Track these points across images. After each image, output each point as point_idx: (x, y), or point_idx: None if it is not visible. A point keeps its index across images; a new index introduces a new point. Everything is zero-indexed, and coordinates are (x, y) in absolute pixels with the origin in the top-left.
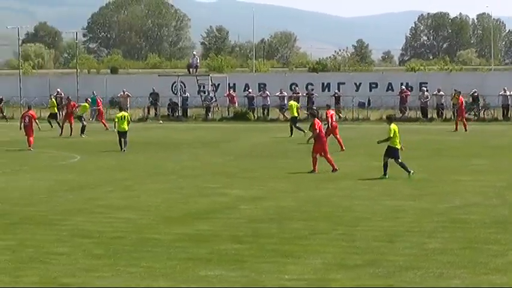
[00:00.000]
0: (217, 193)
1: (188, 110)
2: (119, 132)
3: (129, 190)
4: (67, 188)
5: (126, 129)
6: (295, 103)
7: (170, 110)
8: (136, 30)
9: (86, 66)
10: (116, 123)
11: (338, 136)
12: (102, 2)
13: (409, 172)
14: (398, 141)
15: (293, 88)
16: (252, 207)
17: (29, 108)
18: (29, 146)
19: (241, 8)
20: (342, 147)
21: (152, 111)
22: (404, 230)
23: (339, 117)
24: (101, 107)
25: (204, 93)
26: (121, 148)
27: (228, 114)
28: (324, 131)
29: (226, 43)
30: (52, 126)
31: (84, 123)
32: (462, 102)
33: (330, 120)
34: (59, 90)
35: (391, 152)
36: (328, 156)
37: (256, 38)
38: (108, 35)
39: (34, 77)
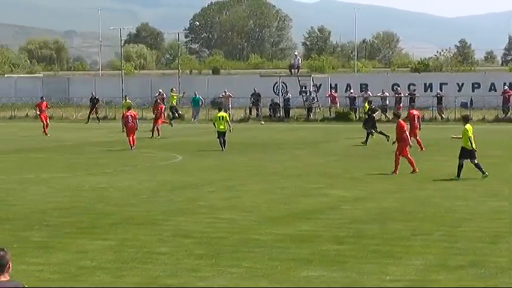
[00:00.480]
0: (319, 193)
1: (290, 110)
2: (218, 132)
3: (231, 190)
4: (169, 188)
5: (225, 129)
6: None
7: (272, 111)
8: (238, 30)
9: (188, 67)
10: (215, 124)
11: (418, 138)
12: (204, 2)
13: (484, 173)
14: (470, 142)
15: (395, 88)
16: (354, 208)
17: (129, 108)
18: (131, 145)
19: (343, 8)
20: (421, 148)
21: (254, 112)
22: (506, 231)
23: (441, 117)
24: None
25: (306, 93)
26: (222, 148)
27: (330, 114)
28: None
29: (327, 43)
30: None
31: (180, 112)
32: None
33: (413, 121)
34: (160, 91)
35: (465, 153)
36: (410, 157)
37: (358, 38)
38: (210, 36)
39: (136, 77)
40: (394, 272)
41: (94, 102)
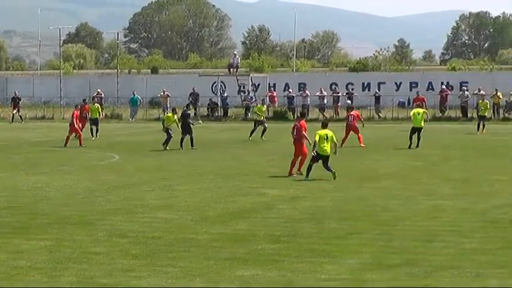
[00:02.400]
0: (256, 193)
1: (228, 109)
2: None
3: (168, 190)
4: (105, 188)
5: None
6: None
7: (210, 110)
8: (177, 30)
9: (127, 66)
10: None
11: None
12: (144, 2)
13: (334, 173)
14: (327, 146)
15: (333, 88)
16: (290, 207)
17: (76, 107)
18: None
19: (283, 8)
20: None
21: (192, 111)
22: (442, 229)
23: (379, 116)
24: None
25: (244, 93)
26: (191, 146)
27: (268, 114)
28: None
29: (267, 43)
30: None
31: (171, 134)
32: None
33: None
34: (99, 90)
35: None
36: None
37: (297, 37)
38: (149, 35)
39: (75, 77)
40: (329, 271)
41: (16, 101)
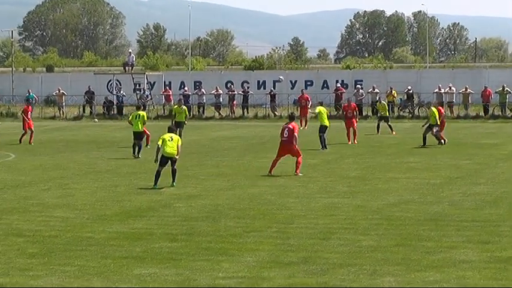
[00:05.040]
0: (153, 191)
1: (124, 108)
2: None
3: (64, 188)
4: (1, 187)
5: (141, 129)
6: None
7: (105, 109)
8: (72, 28)
9: (22, 64)
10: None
11: None
12: (38, 0)
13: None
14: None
15: (229, 86)
16: (187, 205)
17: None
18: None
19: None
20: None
21: (87, 110)
22: (338, 227)
23: (274, 115)
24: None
25: (140, 91)
26: (134, 152)
27: (164, 112)
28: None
29: (162, 41)
30: None
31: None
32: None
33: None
34: None
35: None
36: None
37: (193, 35)
38: (44, 33)
39: None
40: (226, 269)
41: None
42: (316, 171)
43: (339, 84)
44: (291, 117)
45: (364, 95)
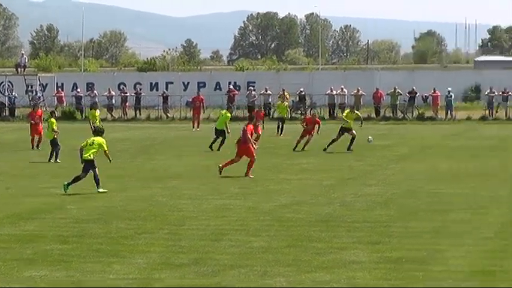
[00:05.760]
0: (45, 193)
1: (16, 109)
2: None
3: None
4: None
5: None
6: None
7: None
8: None
9: None
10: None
11: None
12: None
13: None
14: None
15: (121, 88)
16: (79, 207)
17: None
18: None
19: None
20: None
21: None
22: (229, 228)
23: (167, 116)
24: None
25: (32, 93)
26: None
27: (56, 113)
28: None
29: (55, 42)
30: None
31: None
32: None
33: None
34: None
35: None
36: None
37: (86, 37)
38: None
39: None
40: (117, 271)
41: None
42: (209, 172)
43: (231, 86)
44: (250, 118)
45: (257, 96)
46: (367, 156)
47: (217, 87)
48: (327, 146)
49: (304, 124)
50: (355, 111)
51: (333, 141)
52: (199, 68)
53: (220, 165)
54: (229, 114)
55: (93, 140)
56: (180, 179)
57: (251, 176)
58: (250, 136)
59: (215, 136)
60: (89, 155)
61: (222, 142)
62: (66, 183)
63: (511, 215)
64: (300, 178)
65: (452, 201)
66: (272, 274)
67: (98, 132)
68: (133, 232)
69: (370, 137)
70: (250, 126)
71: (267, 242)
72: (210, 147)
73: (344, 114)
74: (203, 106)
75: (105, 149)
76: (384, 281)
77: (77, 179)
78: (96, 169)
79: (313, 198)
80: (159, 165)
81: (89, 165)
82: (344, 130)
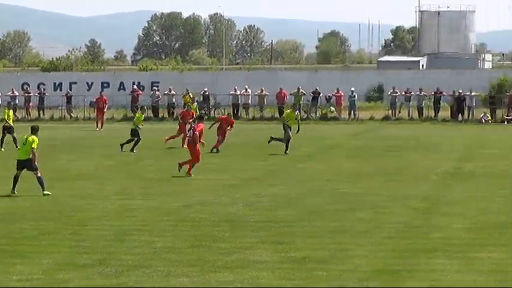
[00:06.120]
0: None
1: None
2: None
3: None
4: None
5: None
6: None
7: None
8: None
9: None
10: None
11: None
12: None
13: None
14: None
15: (25, 88)
16: None
17: None
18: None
19: None
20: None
21: None
22: (133, 229)
23: (70, 116)
24: None
25: None
26: None
27: None
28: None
29: None
30: None
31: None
32: None
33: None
34: None
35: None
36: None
37: None
38: None
39: None
40: (21, 272)
41: None
42: (113, 172)
43: (135, 86)
44: (200, 118)
45: (161, 96)
46: (271, 156)
47: (121, 87)
48: (286, 148)
49: (219, 123)
50: (296, 111)
51: (288, 140)
52: (103, 68)
53: (182, 165)
54: (139, 115)
55: (26, 138)
56: (84, 179)
57: (188, 174)
58: (198, 135)
59: (130, 137)
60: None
61: (136, 142)
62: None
63: (410, 214)
64: (204, 178)
65: (355, 201)
66: (176, 274)
67: (33, 129)
68: (37, 233)
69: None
70: (200, 125)
71: (171, 242)
72: (131, 149)
73: (285, 115)
74: (105, 106)
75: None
76: (288, 280)
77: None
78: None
79: (216, 198)
80: (63, 165)
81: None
82: (288, 128)
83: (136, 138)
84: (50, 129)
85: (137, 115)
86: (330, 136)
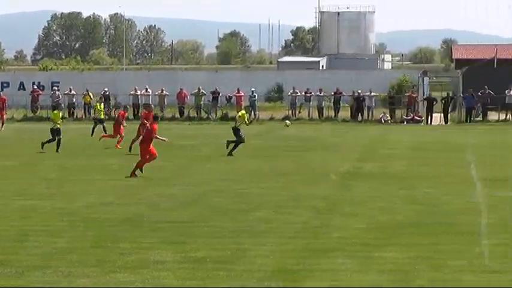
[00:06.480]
0: None
1: None
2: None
3: None
4: None
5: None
6: None
7: None
8: None
9: None
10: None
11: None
12: None
13: None
14: None
15: None
16: None
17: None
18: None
19: None
20: None
21: None
22: (34, 229)
23: None
24: None
25: None
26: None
27: None
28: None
29: None
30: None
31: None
32: None
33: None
34: None
35: None
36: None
37: None
38: None
39: None
40: None
41: None
42: (13, 172)
43: (35, 86)
44: (155, 118)
45: (61, 96)
46: (173, 156)
47: (21, 87)
48: (232, 150)
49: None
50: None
51: (238, 143)
52: (2, 68)
53: (138, 167)
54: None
55: None
56: None
57: (136, 175)
58: (155, 135)
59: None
60: None
61: (58, 142)
62: None
63: (310, 214)
64: (106, 178)
65: (256, 201)
66: (77, 275)
67: None
68: None
69: (287, 122)
70: (154, 125)
71: (72, 243)
72: (56, 151)
73: (239, 114)
74: (5, 106)
75: None
76: (188, 280)
77: None
78: None
79: (118, 198)
80: None
81: None
82: (237, 130)
83: (58, 138)
84: None
85: (54, 113)
86: (230, 136)
